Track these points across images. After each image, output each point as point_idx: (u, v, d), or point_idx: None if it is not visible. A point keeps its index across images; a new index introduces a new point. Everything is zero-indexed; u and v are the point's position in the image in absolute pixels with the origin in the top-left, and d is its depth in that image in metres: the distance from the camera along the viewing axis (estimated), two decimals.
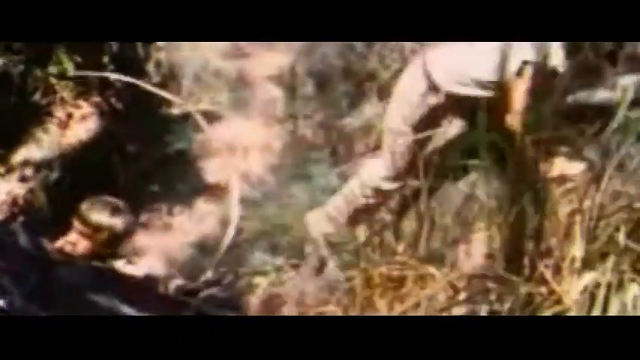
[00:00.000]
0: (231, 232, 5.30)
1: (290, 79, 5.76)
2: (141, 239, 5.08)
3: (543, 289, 3.34)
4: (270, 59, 5.74)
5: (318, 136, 5.62)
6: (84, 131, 5.78)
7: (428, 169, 3.99)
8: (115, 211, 4.80)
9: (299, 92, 5.71)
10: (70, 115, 5.75)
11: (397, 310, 3.50)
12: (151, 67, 5.91)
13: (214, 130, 5.66)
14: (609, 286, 3.27)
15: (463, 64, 4.52)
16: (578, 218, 3.44)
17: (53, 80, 5.73)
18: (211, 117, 5.78)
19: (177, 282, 4.87)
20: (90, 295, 4.50)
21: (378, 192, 4.70)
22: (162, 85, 5.90)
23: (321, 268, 4.25)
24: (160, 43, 5.84)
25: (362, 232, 4.29)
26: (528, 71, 4.38)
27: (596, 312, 3.24)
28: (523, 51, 4.35)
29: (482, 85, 4.46)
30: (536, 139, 3.52)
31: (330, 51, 5.60)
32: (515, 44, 4.31)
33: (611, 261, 3.31)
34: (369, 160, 5.00)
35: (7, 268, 4.39)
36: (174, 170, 5.86)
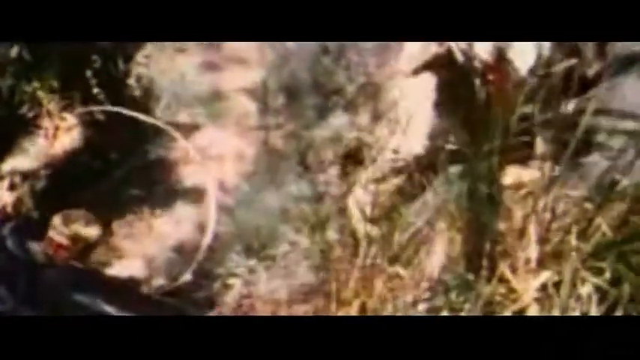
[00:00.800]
0: (209, 235, 5.39)
1: (262, 93, 5.80)
2: (122, 242, 5.35)
3: (503, 289, 3.45)
4: (243, 74, 5.84)
5: (288, 146, 5.64)
6: (69, 141, 5.83)
7: None
8: (88, 222, 4.94)
9: (270, 105, 5.75)
10: (56, 127, 5.79)
11: (368, 310, 3.56)
12: (132, 81, 5.94)
13: (191, 139, 5.75)
14: (564, 284, 3.37)
15: None
16: (532, 220, 3.54)
17: (40, 94, 5.78)
18: (188, 127, 5.83)
19: (157, 282, 5.10)
20: (74, 295, 4.76)
21: None
22: (143, 98, 5.93)
23: (292, 269, 4.33)
24: (140, 59, 5.89)
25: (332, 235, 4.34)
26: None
27: (555, 311, 3.35)
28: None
29: None
30: (494, 147, 3.60)
31: (299, 66, 5.64)
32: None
33: (564, 260, 3.42)
34: None
35: None
36: (154, 176, 5.88)
